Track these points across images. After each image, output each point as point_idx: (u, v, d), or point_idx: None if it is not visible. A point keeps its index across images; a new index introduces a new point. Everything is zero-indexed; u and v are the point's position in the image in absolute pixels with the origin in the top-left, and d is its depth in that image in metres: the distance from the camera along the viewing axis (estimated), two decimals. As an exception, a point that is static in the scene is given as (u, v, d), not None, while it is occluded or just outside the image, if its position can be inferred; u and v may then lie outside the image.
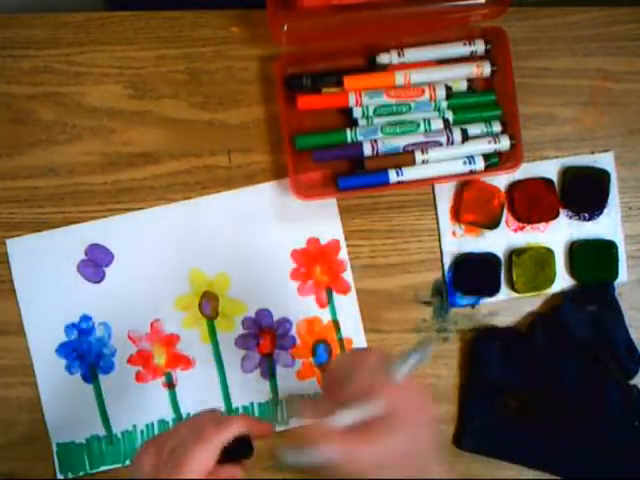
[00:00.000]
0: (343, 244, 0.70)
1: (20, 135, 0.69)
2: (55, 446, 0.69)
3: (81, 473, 0.69)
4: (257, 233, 0.69)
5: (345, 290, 0.70)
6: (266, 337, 0.70)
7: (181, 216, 0.69)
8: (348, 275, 0.70)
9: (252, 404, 0.70)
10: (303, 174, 0.69)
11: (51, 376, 0.69)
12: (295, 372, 0.70)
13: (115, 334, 0.69)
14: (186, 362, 0.70)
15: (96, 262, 0.69)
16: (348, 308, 0.70)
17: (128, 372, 0.69)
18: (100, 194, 0.69)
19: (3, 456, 0.68)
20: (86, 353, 0.69)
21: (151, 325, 0.69)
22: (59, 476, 0.69)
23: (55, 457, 0.69)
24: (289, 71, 0.69)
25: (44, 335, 0.69)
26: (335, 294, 0.70)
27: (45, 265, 0.69)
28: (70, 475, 0.69)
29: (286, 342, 0.69)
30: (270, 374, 0.70)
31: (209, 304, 0.70)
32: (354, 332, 0.70)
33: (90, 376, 0.69)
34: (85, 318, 0.69)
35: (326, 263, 0.70)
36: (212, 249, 0.69)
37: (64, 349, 0.69)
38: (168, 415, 0.70)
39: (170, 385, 0.70)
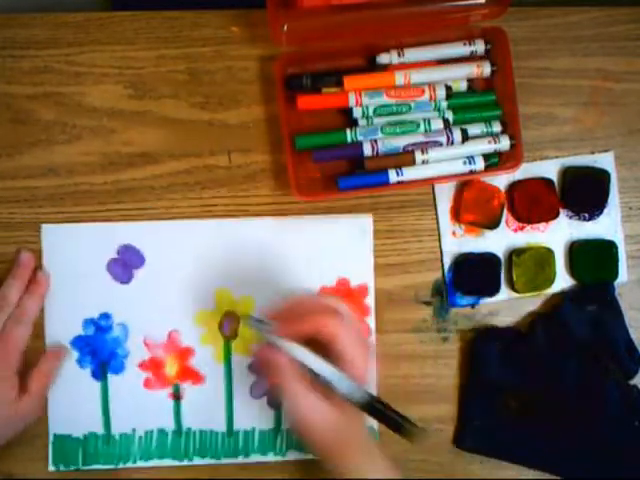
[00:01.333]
0: (372, 290, 0.70)
1: (20, 135, 0.69)
2: (52, 436, 0.69)
3: (72, 468, 0.69)
4: (289, 264, 0.69)
5: (366, 335, 0.70)
6: None
7: (219, 234, 0.68)
8: (371, 321, 0.70)
9: (254, 429, 0.70)
10: (303, 174, 0.69)
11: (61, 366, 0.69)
12: None
13: (131, 337, 0.69)
14: (196, 377, 0.69)
15: (126, 262, 0.69)
16: None
17: (137, 376, 0.69)
18: (100, 194, 0.69)
19: (3, 455, 0.68)
20: (99, 350, 0.69)
21: (169, 335, 0.69)
22: (51, 467, 0.69)
23: (50, 447, 0.69)
24: (289, 71, 0.69)
25: (61, 325, 0.69)
26: None
27: (75, 257, 0.69)
28: (62, 468, 0.69)
29: None
30: (276, 404, 0.70)
31: (230, 324, 0.69)
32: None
33: (99, 373, 0.69)
34: (105, 316, 0.69)
35: (352, 305, 0.69)
36: (243, 271, 0.69)
37: (78, 342, 0.69)
38: (169, 426, 0.69)
39: (176, 397, 0.69)
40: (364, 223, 0.70)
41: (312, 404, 0.57)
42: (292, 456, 0.70)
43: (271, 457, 0.70)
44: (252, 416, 0.70)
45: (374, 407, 0.56)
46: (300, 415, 0.57)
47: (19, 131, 0.69)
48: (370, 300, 0.70)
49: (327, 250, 0.70)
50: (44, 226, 0.69)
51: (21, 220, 0.69)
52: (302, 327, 0.58)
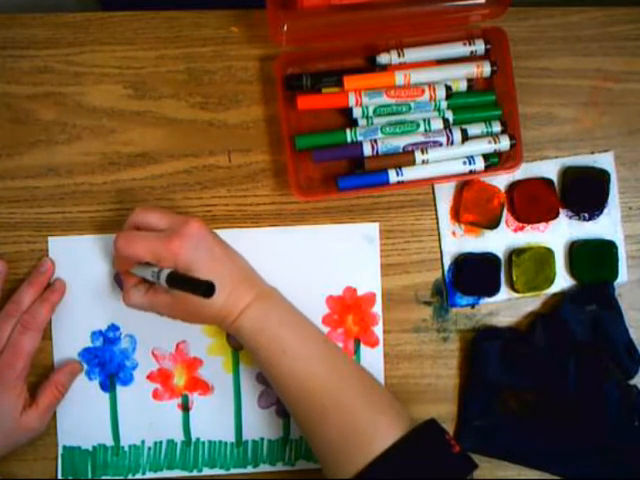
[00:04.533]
0: (379, 298, 0.70)
1: (20, 135, 0.69)
2: (61, 448, 0.69)
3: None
4: (296, 272, 0.68)
5: (373, 343, 0.70)
6: None
7: (231, 243, 0.66)
8: (379, 329, 0.70)
9: (262, 439, 0.70)
10: (303, 174, 0.69)
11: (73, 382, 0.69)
12: None
13: (140, 348, 0.69)
14: (205, 387, 0.69)
15: None
16: (373, 361, 0.69)
17: (146, 387, 0.69)
18: (100, 194, 0.69)
19: (4, 456, 0.68)
20: (108, 362, 0.69)
21: (177, 346, 0.69)
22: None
23: (59, 459, 0.69)
24: (289, 71, 0.69)
25: (69, 337, 0.69)
26: (362, 346, 0.70)
27: (82, 268, 0.69)
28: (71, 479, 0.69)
29: None
30: (285, 413, 0.70)
31: None
32: None
33: (108, 385, 0.69)
34: (113, 327, 0.69)
35: (359, 314, 0.70)
36: None
37: (87, 354, 0.69)
38: (178, 437, 0.69)
39: (185, 407, 0.69)
40: (370, 231, 0.70)
41: (142, 294, 0.64)
42: (301, 466, 0.70)
43: (280, 467, 0.70)
44: (261, 426, 0.70)
45: (175, 279, 0.59)
46: (150, 305, 0.63)
47: (19, 131, 0.69)
48: (377, 309, 0.70)
49: (334, 258, 0.70)
50: (50, 238, 0.69)
51: (21, 220, 0.69)
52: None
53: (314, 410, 0.61)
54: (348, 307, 0.70)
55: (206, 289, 0.56)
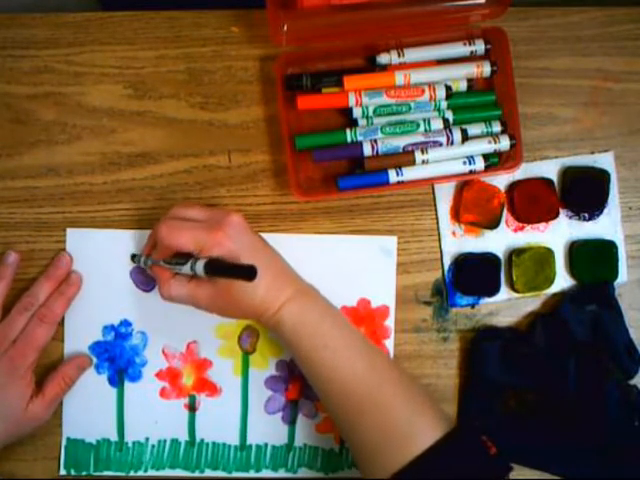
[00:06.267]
0: (392, 311, 0.70)
1: (20, 135, 0.69)
2: (65, 440, 0.69)
3: (84, 473, 0.69)
4: (311, 281, 0.67)
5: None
6: (296, 384, 0.69)
7: None
8: (390, 343, 0.70)
9: (266, 445, 0.70)
10: (303, 174, 0.69)
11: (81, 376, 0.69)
12: (315, 424, 0.70)
13: (150, 345, 0.69)
14: (213, 389, 0.69)
15: None
16: None
17: (154, 385, 0.69)
18: (100, 194, 0.69)
19: (4, 455, 0.68)
20: (117, 357, 0.69)
21: (187, 346, 0.69)
22: (62, 471, 0.69)
23: (62, 451, 0.69)
24: (289, 71, 0.69)
25: (81, 330, 0.69)
26: None
27: (99, 262, 0.69)
28: (73, 472, 0.69)
29: (314, 393, 0.66)
30: (291, 420, 0.70)
31: (249, 338, 0.69)
32: None
33: (116, 380, 0.69)
34: (125, 323, 0.69)
35: (372, 326, 0.70)
36: None
37: (97, 348, 0.69)
38: (182, 436, 0.69)
39: (192, 408, 0.69)
40: (388, 244, 0.70)
41: (184, 285, 0.63)
42: (303, 473, 0.70)
43: (282, 473, 0.70)
44: (265, 431, 0.70)
45: (215, 266, 0.59)
46: (191, 297, 0.63)
47: (19, 131, 0.69)
48: (390, 322, 0.70)
49: (350, 269, 0.70)
50: (69, 230, 0.69)
51: (21, 220, 0.69)
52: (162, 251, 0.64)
53: (353, 407, 0.61)
54: (361, 318, 0.70)
55: (248, 271, 0.55)
